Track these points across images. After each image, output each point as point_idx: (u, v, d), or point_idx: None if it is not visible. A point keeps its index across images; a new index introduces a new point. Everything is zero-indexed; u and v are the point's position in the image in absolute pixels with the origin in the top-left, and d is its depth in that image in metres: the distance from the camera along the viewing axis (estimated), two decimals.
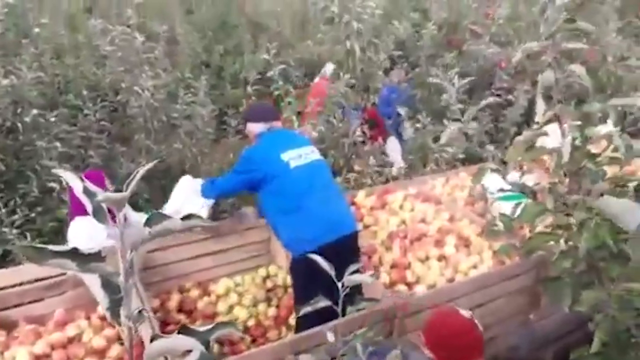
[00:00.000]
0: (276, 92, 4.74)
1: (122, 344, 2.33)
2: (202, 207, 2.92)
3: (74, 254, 0.81)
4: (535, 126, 2.03)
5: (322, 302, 1.70)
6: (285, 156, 2.69)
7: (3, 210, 3.51)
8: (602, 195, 1.91)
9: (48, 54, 5.18)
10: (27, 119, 4.03)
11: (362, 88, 5.04)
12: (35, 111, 4.07)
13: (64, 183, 3.50)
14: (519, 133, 2.14)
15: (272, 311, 2.98)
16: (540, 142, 2.11)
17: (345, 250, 2.34)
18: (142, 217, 2.18)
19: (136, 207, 3.86)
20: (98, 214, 0.86)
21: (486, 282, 2.67)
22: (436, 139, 4.97)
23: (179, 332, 0.84)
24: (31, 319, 2.47)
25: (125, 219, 2.69)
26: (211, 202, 2.97)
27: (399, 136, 5.47)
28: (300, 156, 2.73)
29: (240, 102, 5.68)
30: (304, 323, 2.51)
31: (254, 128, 2.90)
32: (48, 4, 6.70)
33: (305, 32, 7.53)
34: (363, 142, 4.61)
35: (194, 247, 3.01)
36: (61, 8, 6.83)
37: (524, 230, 2.99)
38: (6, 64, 4.45)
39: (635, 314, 1.75)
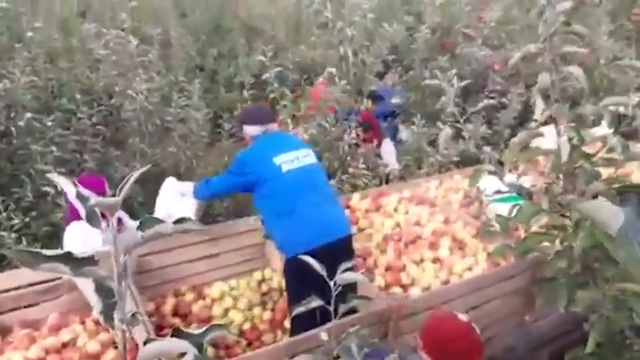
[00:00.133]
0: (272, 95, 4.74)
1: (116, 348, 2.32)
2: (191, 207, 2.94)
3: (67, 258, 0.81)
4: (533, 124, 2.05)
5: (315, 302, 1.70)
6: (278, 160, 2.71)
7: (3, 214, 3.50)
8: (596, 196, 1.92)
9: (41, 58, 5.16)
10: (21, 123, 4.01)
11: (355, 92, 5.05)
12: (29, 115, 4.05)
13: (58, 188, 3.49)
14: (513, 135, 2.15)
15: (267, 314, 2.98)
16: (535, 143, 2.12)
17: (339, 253, 2.34)
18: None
19: (131, 211, 3.85)
20: (91, 219, 0.86)
21: (481, 284, 2.67)
22: (431, 142, 4.99)
23: (172, 335, 0.84)
24: (26, 324, 2.45)
25: (122, 223, 2.70)
26: (196, 201, 2.98)
27: (395, 138, 5.47)
28: (293, 160, 2.74)
29: (235, 106, 5.68)
30: (297, 324, 2.51)
31: (250, 130, 2.91)
32: (41, 7, 6.68)
33: (300, 36, 7.54)
34: (357, 145, 4.62)
35: (189, 251, 3.00)
36: (55, 12, 6.80)
37: (519, 232, 3.01)
38: None
39: (629, 314, 1.75)
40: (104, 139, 4.62)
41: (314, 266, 1.71)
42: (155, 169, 4.38)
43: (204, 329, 0.87)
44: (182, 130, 4.73)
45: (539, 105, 1.93)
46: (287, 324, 2.90)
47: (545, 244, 2.14)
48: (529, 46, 1.94)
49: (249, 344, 2.84)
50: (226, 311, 2.94)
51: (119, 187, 0.84)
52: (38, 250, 0.80)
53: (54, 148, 3.99)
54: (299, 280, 2.58)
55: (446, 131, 2.35)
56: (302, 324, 2.27)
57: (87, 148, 4.36)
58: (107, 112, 4.80)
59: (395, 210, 3.45)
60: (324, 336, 1.75)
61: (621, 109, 2.16)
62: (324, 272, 1.71)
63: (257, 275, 3.16)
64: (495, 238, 2.67)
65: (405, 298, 2.65)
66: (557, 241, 2.10)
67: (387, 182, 4.29)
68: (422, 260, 2.98)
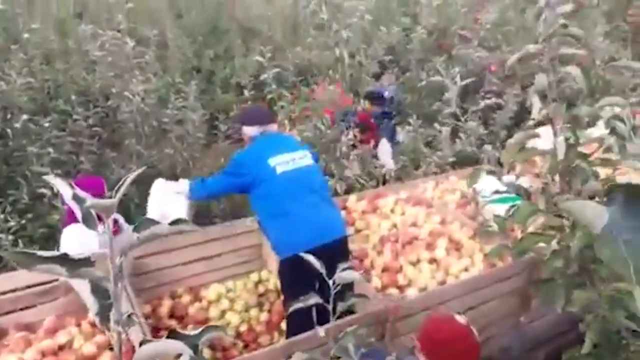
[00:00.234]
0: (269, 96, 4.74)
1: (113, 350, 2.32)
2: (182, 206, 2.93)
3: (63, 259, 0.81)
4: (531, 122, 2.06)
5: (313, 299, 1.70)
6: (273, 161, 2.72)
7: (0, 216, 3.49)
8: (593, 196, 1.93)
9: (38, 59, 5.16)
10: (17, 125, 4.01)
11: (352, 93, 5.05)
12: (25, 117, 4.05)
13: (55, 189, 3.48)
14: (509, 136, 2.16)
15: (264, 316, 2.98)
16: (532, 144, 2.13)
17: (334, 255, 2.34)
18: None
19: (127, 213, 3.85)
20: (88, 221, 0.86)
21: (477, 285, 2.68)
22: (427, 143, 5.00)
23: (167, 337, 0.84)
24: (22, 326, 2.44)
25: (118, 225, 2.69)
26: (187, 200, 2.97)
27: (392, 139, 5.47)
28: (288, 161, 2.75)
29: (231, 107, 5.68)
30: (293, 323, 2.51)
31: (249, 131, 2.92)
32: (38, 9, 6.66)
33: (296, 37, 7.55)
34: (354, 146, 4.62)
35: (186, 253, 2.99)
36: (51, 13, 6.79)
37: (515, 232, 3.01)
38: None
39: (625, 314, 1.76)
40: (100, 141, 4.62)
41: (313, 264, 1.71)
42: (151, 171, 4.37)
43: (199, 330, 0.87)
44: (178, 132, 4.73)
45: (536, 104, 1.94)
46: (284, 325, 2.90)
47: (542, 244, 2.15)
48: (527, 47, 1.95)
49: (246, 346, 2.83)
50: (223, 313, 2.94)
51: (115, 189, 0.84)
52: (34, 251, 0.80)
53: (50, 150, 3.99)
54: (293, 281, 2.60)
55: (447, 130, 2.37)
56: (298, 323, 2.27)
57: (84, 149, 4.36)
58: (103, 113, 4.80)
59: (392, 211, 3.45)
60: (321, 333, 1.75)
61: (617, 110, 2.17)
62: (323, 271, 1.71)
63: (254, 276, 3.16)
64: (493, 238, 2.68)
65: (402, 299, 2.65)
66: (554, 241, 2.10)
67: (384, 183, 4.29)
68: (418, 261, 2.98)
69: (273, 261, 3.10)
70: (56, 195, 3.62)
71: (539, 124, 1.99)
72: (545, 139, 2.06)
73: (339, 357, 1.71)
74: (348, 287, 1.81)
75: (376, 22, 6.45)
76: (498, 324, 2.78)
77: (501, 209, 2.68)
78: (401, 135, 5.52)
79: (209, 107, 5.69)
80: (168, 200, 2.94)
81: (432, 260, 3.00)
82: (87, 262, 0.80)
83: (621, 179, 2.34)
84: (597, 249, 0.72)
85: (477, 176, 2.19)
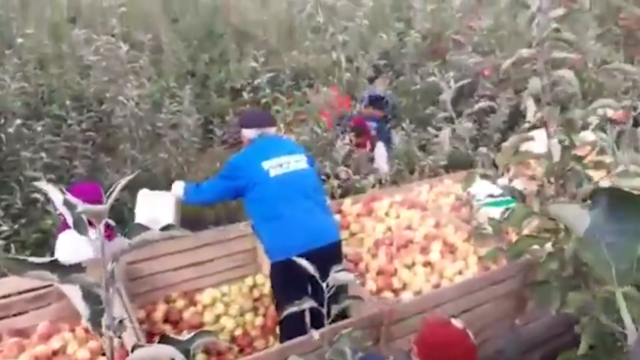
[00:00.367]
0: (264, 100, 4.75)
1: (105, 355, 2.30)
2: (169, 208, 2.93)
3: (55, 265, 0.80)
4: (525, 125, 2.07)
5: (307, 303, 1.70)
6: (266, 164, 2.72)
7: None
8: (586, 199, 1.94)
9: (32, 64, 5.15)
10: (11, 130, 3.99)
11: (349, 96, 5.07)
12: (18, 121, 4.04)
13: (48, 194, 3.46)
14: (503, 139, 2.17)
15: (259, 320, 2.97)
16: (526, 147, 2.14)
17: (327, 259, 2.32)
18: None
19: (121, 217, 3.83)
20: (79, 226, 0.86)
21: (472, 288, 2.68)
22: (421, 147, 5.01)
23: (160, 341, 0.84)
24: (15, 332, 2.43)
25: (112, 229, 2.67)
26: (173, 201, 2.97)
27: (388, 143, 5.47)
28: (282, 165, 2.75)
29: (226, 111, 5.67)
30: (287, 326, 2.51)
31: (247, 133, 2.94)
32: (32, 13, 6.65)
33: (292, 41, 7.56)
34: (350, 150, 4.63)
35: (180, 258, 2.99)
36: (45, 18, 6.77)
37: (510, 235, 3.02)
38: None
39: (619, 316, 1.76)
40: (94, 145, 4.61)
41: (305, 267, 1.71)
42: (146, 175, 4.37)
43: (191, 334, 0.86)
44: (173, 136, 4.72)
45: (531, 107, 1.95)
46: (278, 329, 2.90)
47: (537, 246, 2.16)
48: (521, 51, 1.96)
49: (241, 350, 2.82)
50: (217, 317, 2.93)
51: (107, 194, 0.84)
52: (25, 257, 0.80)
53: (43, 154, 3.97)
54: (285, 285, 2.60)
55: (446, 132, 2.38)
56: (291, 327, 2.27)
57: (78, 154, 4.35)
58: (97, 118, 4.79)
59: (387, 214, 3.45)
60: (316, 335, 1.75)
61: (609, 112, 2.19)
62: (316, 274, 1.71)
63: (249, 281, 3.15)
64: (487, 241, 2.68)
65: (397, 302, 2.65)
66: (549, 244, 2.11)
67: (380, 185, 4.30)
68: (413, 264, 2.99)
69: (267, 265, 3.09)
70: (50, 200, 3.61)
71: (534, 127, 2.00)
72: (539, 142, 2.07)
73: None
74: (342, 290, 1.81)
75: (372, 27, 6.47)
76: (493, 327, 2.78)
77: (496, 212, 2.69)
78: (397, 138, 5.53)
79: (203, 111, 5.69)
80: (155, 204, 2.94)
81: (427, 264, 3.00)
82: (78, 268, 0.80)
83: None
84: (580, 251, 0.73)
85: (472, 179, 2.20)
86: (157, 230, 0.82)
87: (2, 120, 4.14)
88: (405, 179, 4.55)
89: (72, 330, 2.46)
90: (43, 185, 0.92)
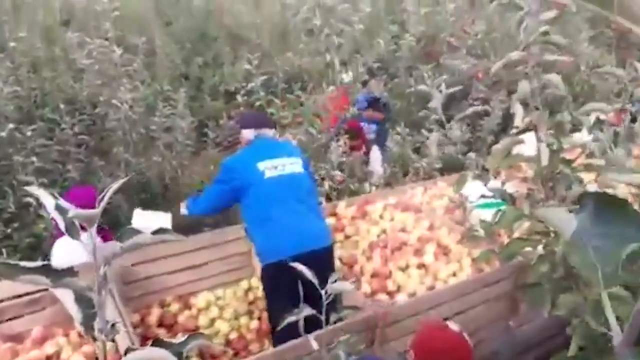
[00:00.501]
0: (258, 103, 4.75)
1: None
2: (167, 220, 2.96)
3: (47, 269, 0.81)
4: (514, 130, 2.08)
5: (305, 311, 1.70)
6: (262, 165, 2.72)
7: None
8: (575, 202, 1.95)
9: (24, 68, 5.13)
10: (3, 134, 3.98)
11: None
12: (11, 125, 4.02)
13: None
14: (496, 142, 2.19)
15: (254, 324, 2.96)
16: (517, 150, 2.15)
17: (317, 263, 2.32)
18: None
19: (116, 221, 3.83)
20: (71, 231, 0.86)
21: (466, 290, 2.69)
22: (416, 149, 5.03)
23: (152, 345, 0.84)
24: (8, 337, 2.42)
25: (108, 232, 2.66)
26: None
27: (384, 146, 5.48)
28: (277, 167, 2.75)
29: (220, 114, 5.68)
30: (280, 330, 2.50)
31: (245, 134, 2.95)
32: (24, 16, 6.63)
33: (286, 44, 7.57)
34: (344, 153, 4.64)
35: (175, 261, 2.98)
36: (38, 21, 6.76)
37: (502, 237, 3.03)
38: None
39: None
40: (87, 149, 4.60)
41: (294, 271, 1.72)
42: (140, 178, 4.36)
43: (184, 338, 0.87)
44: (167, 139, 4.72)
45: (519, 112, 1.97)
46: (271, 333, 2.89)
47: (528, 249, 2.17)
48: (510, 54, 1.98)
49: (236, 354, 2.82)
50: (212, 321, 2.92)
51: (99, 198, 0.84)
52: (17, 262, 0.80)
53: (35, 159, 3.95)
54: (275, 288, 2.61)
55: (435, 135, 2.39)
56: (284, 331, 2.27)
57: (71, 158, 4.34)
58: (90, 121, 4.78)
59: (381, 217, 3.46)
60: (313, 344, 1.75)
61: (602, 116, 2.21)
62: (313, 279, 1.71)
63: (244, 284, 3.15)
64: (480, 243, 2.69)
65: (392, 305, 2.66)
66: (540, 246, 2.12)
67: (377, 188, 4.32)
68: (407, 267, 2.99)
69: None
70: (42, 205, 3.60)
71: (522, 131, 2.02)
72: (530, 144, 2.09)
73: None
74: (335, 297, 1.81)
75: (366, 30, 6.49)
76: (487, 329, 2.79)
77: (487, 214, 2.70)
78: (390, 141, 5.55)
79: (197, 114, 5.69)
80: (151, 222, 2.95)
81: (421, 266, 3.01)
82: (70, 271, 0.80)
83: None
84: (566, 254, 0.74)
85: (464, 182, 2.21)
86: (149, 233, 0.82)
87: None
88: (400, 182, 4.56)
89: (66, 335, 2.45)
90: (35, 190, 0.92)
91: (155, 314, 2.85)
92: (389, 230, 3.30)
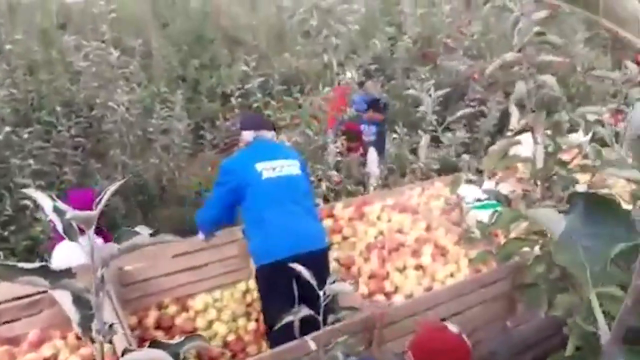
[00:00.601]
0: (255, 105, 4.76)
1: None
2: None
3: (45, 270, 0.81)
4: (509, 133, 2.09)
5: (302, 312, 1.70)
6: (259, 166, 2.72)
7: None
8: None
9: (21, 70, 5.12)
10: (0, 137, 3.97)
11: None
12: (8, 128, 4.02)
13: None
14: (492, 143, 2.19)
15: (252, 325, 2.96)
16: (514, 150, 2.16)
17: (312, 265, 2.32)
18: None
19: (114, 223, 3.82)
20: (69, 233, 0.86)
21: (463, 290, 2.69)
22: (413, 150, 5.04)
23: (149, 346, 0.84)
24: (5, 340, 2.41)
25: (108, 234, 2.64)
26: None
27: (383, 147, 5.48)
28: (275, 168, 2.75)
29: (217, 116, 5.68)
30: (276, 331, 2.50)
31: (245, 135, 2.95)
32: (20, 19, 6.62)
33: (282, 46, 7.58)
34: (341, 154, 4.64)
35: (172, 263, 2.98)
36: (34, 23, 6.75)
37: (499, 238, 3.04)
38: None
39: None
40: (84, 151, 4.60)
41: (291, 271, 1.72)
42: (137, 181, 4.36)
43: (181, 339, 0.87)
44: (164, 141, 4.72)
45: (515, 114, 1.98)
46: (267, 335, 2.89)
47: (526, 249, 2.17)
48: (504, 56, 1.99)
49: (234, 356, 2.82)
50: (210, 323, 2.92)
51: (96, 201, 0.85)
52: (15, 263, 0.80)
53: (32, 161, 3.95)
54: (269, 288, 2.61)
55: (425, 139, 2.40)
56: (280, 332, 2.27)
57: (67, 160, 4.33)
58: (87, 124, 4.78)
59: (379, 218, 3.46)
60: (311, 344, 1.76)
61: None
62: (310, 279, 1.71)
63: (241, 286, 3.14)
64: (476, 244, 2.70)
65: (389, 305, 2.66)
66: (537, 247, 2.13)
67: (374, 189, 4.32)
68: (405, 268, 3.00)
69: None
70: (39, 207, 3.59)
71: (520, 132, 2.03)
72: (526, 145, 2.10)
73: None
74: (332, 298, 1.81)
75: (363, 31, 6.50)
76: (485, 329, 2.80)
77: (484, 215, 2.71)
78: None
79: (194, 116, 5.69)
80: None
81: (419, 267, 3.01)
82: (68, 273, 0.81)
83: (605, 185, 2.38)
84: (554, 254, 0.75)
85: (458, 183, 2.22)
86: (147, 235, 0.83)
87: None
88: (397, 182, 4.57)
89: (64, 338, 2.45)
90: (32, 192, 0.92)
91: (152, 316, 2.85)
92: (387, 232, 3.31)
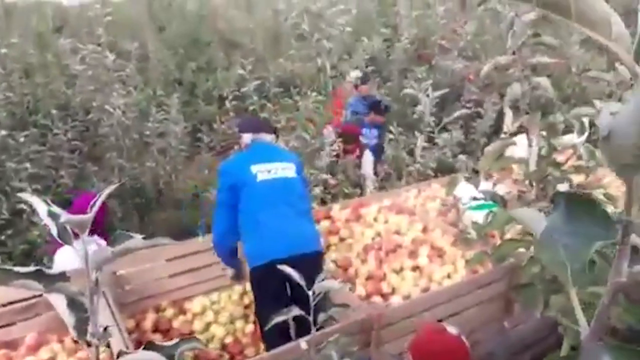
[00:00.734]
0: (251, 107, 4.77)
1: None
2: None
3: (39, 274, 0.81)
4: (503, 135, 2.10)
5: (292, 312, 1.70)
6: (255, 168, 2.72)
7: None
8: None
9: (17, 74, 5.13)
10: None
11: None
12: (4, 132, 4.02)
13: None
14: (489, 144, 2.20)
15: (249, 327, 2.96)
16: (509, 151, 2.17)
17: (305, 268, 2.31)
18: None
19: (111, 226, 3.82)
20: (63, 237, 0.87)
21: (460, 291, 2.70)
22: (409, 151, 5.05)
23: (145, 348, 0.85)
24: (3, 344, 2.41)
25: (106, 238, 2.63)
26: None
27: (383, 149, 5.47)
28: (270, 171, 2.75)
29: (214, 119, 5.68)
30: (270, 334, 2.50)
31: (244, 138, 2.96)
32: (16, 23, 6.62)
33: (278, 49, 7.59)
34: (337, 156, 4.65)
35: (169, 266, 2.98)
36: (30, 27, 6.75)
37: (496, 239, 3.05)
38: None
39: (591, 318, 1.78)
40: (80, 155, 4.60)
41: (284, 273, 1.72)
42: (134, 184, 4.36)
43: (176, 341, 0.87)
44: (160, 145, 4.72)
45: (509, 116, 1.99)
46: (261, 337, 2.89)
47: (521, 249, 2.18)
48: (498, 57, 1.99)
49: (232, 358, 2.82)
50: (208, 325, 2.92)
51: (90, 204, 0.85)
52: (10, 267, 0.81)
53: (28, 165, 3.95)
54: (263, 290, 2.61)
55: (421, 140, 2.41)
56: (274, 334, 2.27)
57: (64, 164, 4.33)
58: (83, 127, 4.78)
59: (375, 219, 3.47)
60: (303, 345, 1.76)
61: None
62: (300, 280, 1.71)
63: (239, 288, 3.15)
64: (473, 245, 2.70)
65: (387, 307, 2.67)
66: (532, 247, 2.13)
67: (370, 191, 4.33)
68: (402, 269, 3.00)
69: None
70: (35, 211, 3.59)
71: (514, 134, 2.04)
72: (521, 146, 2.11)
73: None
74: (324, 297, 1.81)
75: (357, 33, 6.51)
76: (482, 330, 2.80)
77: (479, 216, 2.72)
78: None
79: (191, 119, 5.70)
80: None
81: (415, 268, 3.02)
82: (62, 277, 0.81)
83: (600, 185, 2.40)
84: (536, 253, 0.76)
85: (455, 184, 2.23)
86: (141, 238, 0.83)
87: None
88: (394, 184, 4.58)
89: (61, 341, 2.45)
90: (27, 196, 0.92)
91: (150, 319, 2.85)
92: (384, 233, 3.31)
